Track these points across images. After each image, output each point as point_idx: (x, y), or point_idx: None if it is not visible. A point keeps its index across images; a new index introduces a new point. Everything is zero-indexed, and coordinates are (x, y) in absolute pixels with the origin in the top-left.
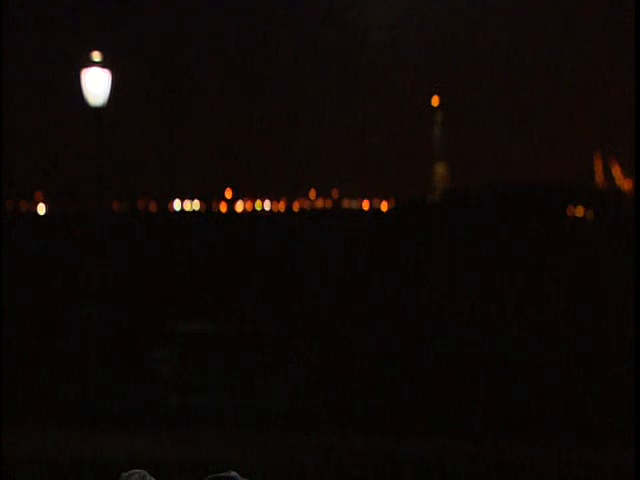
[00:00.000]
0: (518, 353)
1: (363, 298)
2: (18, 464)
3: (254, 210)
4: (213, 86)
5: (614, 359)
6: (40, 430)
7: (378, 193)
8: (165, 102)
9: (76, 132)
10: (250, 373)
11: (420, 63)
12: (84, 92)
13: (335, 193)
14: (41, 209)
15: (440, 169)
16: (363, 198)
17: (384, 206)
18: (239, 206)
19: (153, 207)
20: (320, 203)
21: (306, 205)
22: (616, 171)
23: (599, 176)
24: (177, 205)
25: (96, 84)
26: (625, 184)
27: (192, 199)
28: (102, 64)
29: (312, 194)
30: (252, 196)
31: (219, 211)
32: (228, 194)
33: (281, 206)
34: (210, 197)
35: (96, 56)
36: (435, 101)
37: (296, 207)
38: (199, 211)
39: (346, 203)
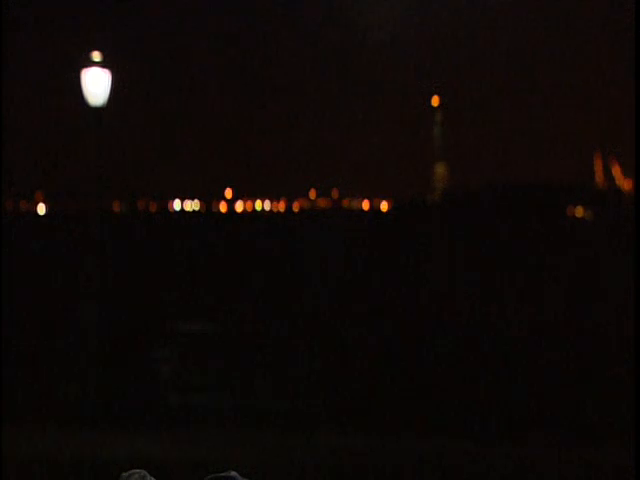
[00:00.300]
0: (518, 353)
1: (363, 298)
2: (18, 464)
3: (254, 210)
4: (213, 86)
5: (614, 359)
6: (40, 430)
7: (378, 193)
8: (165, 102)
9: (76, 132)
10: (250, 373)
11: (420, 63)
12: (84, 92)
13: (335, 193)
14: (41, 209)
15: (440, 169)
16: (363, 198)
17: (384, 206)
18: (239, 206)
19: (153, 207)
20: (320, 203)
21: (306, 205)
22: (616, 171)
23: (599, 176)
24: (177, 205)
25: (96, 84)
26: (625, 184)
27: (192, 199)
28: (102, 64)
29: (312, 194)
30: (252, 196)
31: (219, 211)
32: (228, 194)
33: (281, 206)
34: (210, 197)
35: (96, 56)
36: (435, 101)
37: (296, 207)
38: (199, 211)
39: (346, 203)
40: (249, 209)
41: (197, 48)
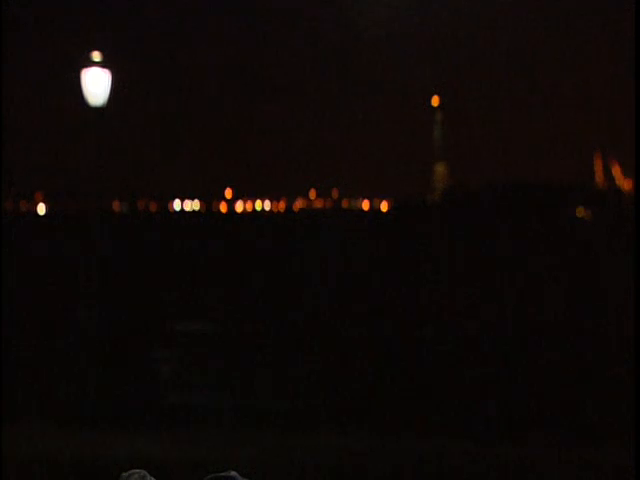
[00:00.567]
0: (518, 353)
1: (363, 298)
2: (18, 464)
3: (254, 210)
4: (213, 86)
5: (614, 359)
6: (40, 430)
7: (378, 193)
8: (165, 102)
9: (76, 132)
10: (250, 373)
11: (420, 63)
12: (84, 92)
13: (335, 193)
14: (41, 209)
15: (440, 169)
16: (363, 198)
17: (384, 206)
18: (239, 206)
19: (153, 207)
20: (320, 203)
21: (306, 205)
22: (616, 171)
23: (599, 176)
24: (177, 205)
25: (96, 84)
26: (625, 184)
27: (192, 199)
28: (102, 64)
29: (312, 194)
30: (252, 196)
31: (219, 211)
32: (228, 194)
33: (281, 206)
34: (210, 197)
35: (96, 56)
36: (435, 101)
37: (296, 207)
38: (199, 211)
39: (346, 203)
40: (249, 209)
41: (197, 48)
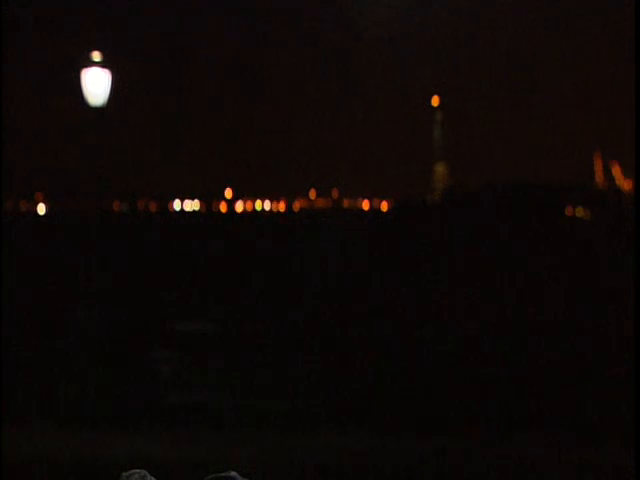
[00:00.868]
0: (518, 353)
1: (363, 298)
2: (18, 464)
3: (254, 210)
4: (213, 86)
5: (614, 359)
6: (40, 430)
7: (378, 193)
8: (165, 102)
9: (76, 132)
10: (250, 373)
11: (420, 63)
12: (84, 92)
13: (335, 193)
14: (41, 209)
15: (440, 169)
16: (363, 198)
17: (384, 206)
18: (239, 206)
19: (153, 207)
20: (320, 203)
21: (306, 205)
22: (616, 171)
23: (599, 176)
24: (177, 205)
25: (96, 84)
26: (625, 184)
27: (192, 199)
28: (102, 64)
29: (312, 194)
30: (252, 196)
31: (219, 211)
32: (228, 194)
33: (281, 206)
34: (210, 197)
35: (96, 56)
36: (435, 101)
37: (296, 207)
38: (199, 211)
39: (346, 203)
40: (249, 209)
41: (197, 48)
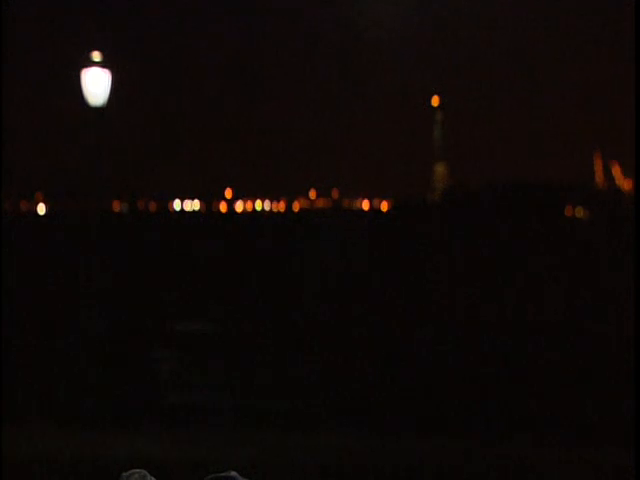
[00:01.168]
0: (518, 353)
1: (363, 298)
2: (18, 464)
3: (254, 210)
4: (213, 86)
5: (614, 359)
6: (40, 430)
7: (378, 193)
8: (165, 102)
9: (76, 132)
10: (250, 373)
11: (420, 63)
12: (84, 92)
13: (335, 193)
14: (41, 209)
15: (440, 169)
16: (363, 198)
17: (384, 206)
18: (239, 206)
19: (153, 207)
20: (320, 203)
21: (306, 205)
22: (616, 171)
23: (599, 176)
24: (177, 205)
25: (96, 84)
26: (625, 184)
27: (192, 199)
28: (102, 64)
29: (312, 194)
30: (252, 196)
31: (219, 211)
32: (228, 194)
33: (281, 206)
34: (210, 197)
35: (96, 56)
36: (435, 101)
37: (296, 207)
38: (199, 211)
39: (346, 203)
40: (249, 209)
41: (197, 48)
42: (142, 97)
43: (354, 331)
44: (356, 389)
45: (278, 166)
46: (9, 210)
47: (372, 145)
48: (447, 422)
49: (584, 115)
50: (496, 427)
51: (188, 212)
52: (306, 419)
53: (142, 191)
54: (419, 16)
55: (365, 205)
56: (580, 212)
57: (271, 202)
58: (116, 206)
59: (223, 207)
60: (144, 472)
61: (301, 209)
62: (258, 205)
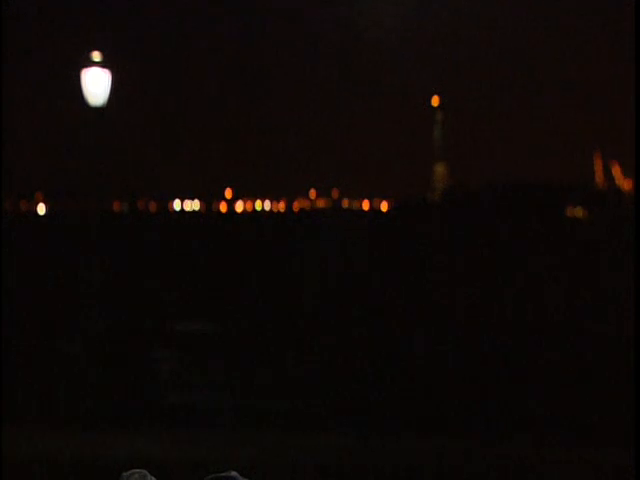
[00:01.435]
0: (518, 353)
1: (363, 298)
2: (18, 464)
3: (254, 210)
4: (213, 86)
5: (614, 359)
6: (40, 430)
7: (378, 193)
8: (165, 102)
9: (76, 132)
10: (250, 373)
11: (420, 63)
12: (84, 92)
13: (335, 193)
14: (41, 209)
15: (440, 169)
16: (363, 198)
17: (384, 206)
18: (239, 206)
19: (153, 207)
20: (320, 203)
21: (306, 205)
22: (616, 171)
23: (599, 176)
24: (177, 205)
25: (96, 84)
26: (625, 184)
27: (192, 199)
28: (102, 64)
29: (312, 194)
30: (252, 196)
31: (219, 211)
32: (228, 194)
33: (281, 206)
34: (210, 197)
35: (96, 56)
36: (435, 101)
37: (296, 207)
38: (199, 211)
39: (346, 203)
40: (249, 209)
41: (197, 48)
42: (142, 97)
43: (354, 331)
44: (356, 389)
45: (278, 166)
46: (9, 210)
47: (372, 145)
48: (447, 422)
49: (584, 115)
50: (496, 427)
51: (188, 212)
52: (306, 419)
53: (142, 191)
54: (419, 16)
55: (365, 205)
56: (580, 212)
57: (271, 202)
58: (116, 206)
59: (223, 207)
60: (144, 472)
61: (301, 209)
62: (258, 205)
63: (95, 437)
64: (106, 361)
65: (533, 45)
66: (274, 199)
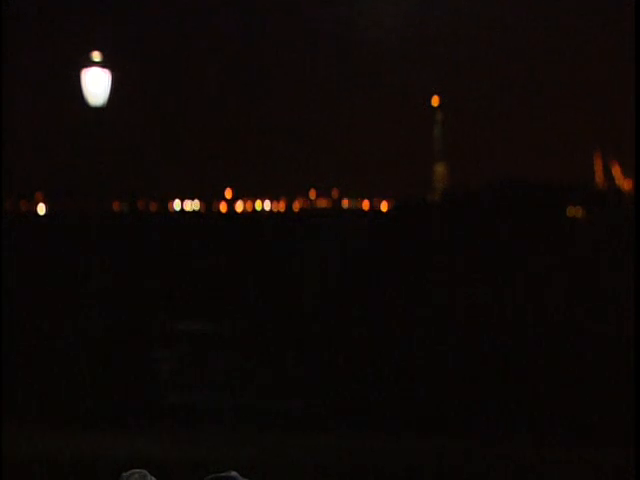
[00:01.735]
0: (518, 353)
1: (363, 298)
2: (18, 464)
3: (254, 210)
4: (213, 86)
5: (614, 359)
6: (40, 430)
7: (378, 193)
8: (165, 102)
9: (76, 132)
10: (250, 373)
11: (420, 63)
12: (84, 92)
13: (335, 193)
14: (41, 209)
15: (440, 169)
16: (363, 198)
17: (384, 206)
18: (239, 206)
19: (153, 207)
20: (320, 203)
21: (306, 205)
22: (616, 171)
23: (599, 176)
24: (177, 205)
25: (96, 84)
26: (625, 184)
27: (192, 199)
28: (102, 64)
29: (312, 194)
30: (252, 196)
31: (219, 211)
32: (228, 194)
33: (281, 206)
34: (210, 197)
35: (96, 56)
36: (435, 101)
37: (296, 207)
38: (199, 211)
39: (346, 203)
40: (249, 209)
41: (197, 48)
42: (142, 97)
43: (354, 331)
44: (356, 389)
45: (278, 166)
46: (9, 210)
47: (372, 145)
48: (447, 422)
49: (584, 115)
50: (496, 427)
51: (188, 212)
52: (306, 419)
53: (142, 191)
54: (419, 16)
55: (365, 205)
56: (580, 212)
57: (271, 202)
58: (116, 206)
59: (223, 207)
60: (144, 472)
61: (301, 209)
62: (258, 205)
63: (95, 437)
64: (106, 361)
65: (533, 45)
66: (274, 199)
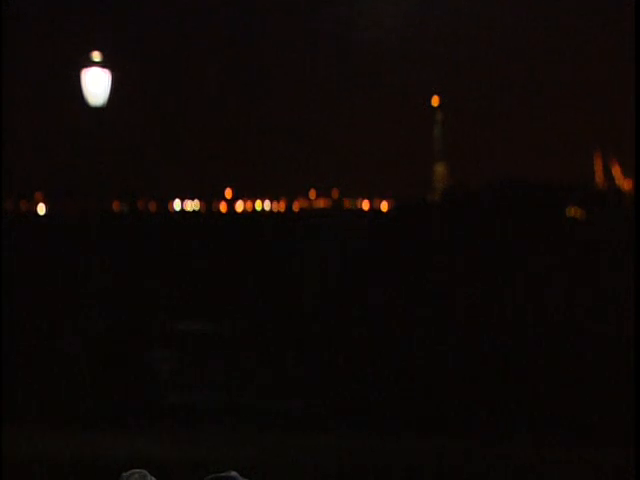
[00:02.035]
0: (518, 353)
1: (363, 298)
2: (18, 464)
3: (254, 210)
4: (213, 86)
5: (614, 359)
6: (40, 430)
7: (378, 193)
8: (165, 102)
9: (76, 132)
10: (250, 373)
11: (420, 63)
12: (84, 92)
13: (335, 193)
14: (41, 209)
15: (440, 169)
16: (363, 198)
17: (384, 206)
18: (239, 206)
19: (153, 207)
20: (320, 203)
21: (306, 205)
22: (616, 171)
23: (599, 176)
24: (177, 205)
25: (96, 84)
26: (625, 184)
27: (192, 199)
28: (102, 64)
29: (312, 194)
30: (252, 196)
31: (219, 211)
32: (228, 194)
33: (281, 206)
34: (210, 197)
35: (96, 56)
36: (435, 101)
37: (296, 207)
38: (199, 211)
39: (346, 203)
40: (249, 209)
41: (197, 48)
42: (142, 97)
43: (354, 331)
44: (356, 389)
45: (278, 166)
46: (9, 210)
47: (372, 145)
48: (447, 422)
49: (584, 115)
50: (496, 427)
51: (188, 212)
52: (306, 419)
53: (142, 191)
54: (419, 16)
55: (365, 205)
56: (580, 212)
57: (271, 202)
58: (116, 206)
59: (223, 207)
60: (144, 472)
61: (301, 209)
62: (258, 205)
63: (95, 437)
64: (106, 361)
65: (533, 45)
66: (274, 199)
